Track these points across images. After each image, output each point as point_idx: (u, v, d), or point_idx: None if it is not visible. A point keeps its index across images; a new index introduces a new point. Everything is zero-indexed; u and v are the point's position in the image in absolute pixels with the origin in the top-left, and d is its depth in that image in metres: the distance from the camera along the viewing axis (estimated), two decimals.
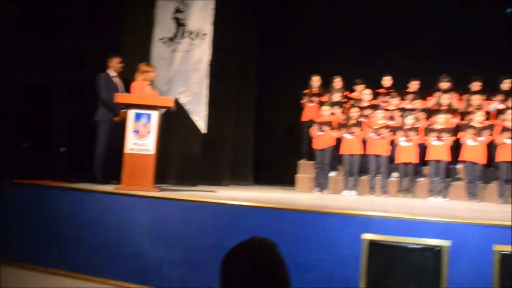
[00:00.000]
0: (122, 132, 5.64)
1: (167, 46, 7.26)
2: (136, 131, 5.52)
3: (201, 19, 7.18)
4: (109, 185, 5.69)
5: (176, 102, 6.59)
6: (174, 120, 7.15)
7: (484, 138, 6.85)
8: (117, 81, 6.60)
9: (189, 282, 4.53)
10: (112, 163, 6.16)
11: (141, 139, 5.50)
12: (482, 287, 3.90)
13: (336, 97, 7.79)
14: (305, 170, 7.89)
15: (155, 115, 5.59)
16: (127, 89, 6.35)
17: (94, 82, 6.44)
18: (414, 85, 8.04)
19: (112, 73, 6.58)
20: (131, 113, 5.58)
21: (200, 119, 7.00)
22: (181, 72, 7.11)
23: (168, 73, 7.16)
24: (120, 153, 5.57)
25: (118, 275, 4.80)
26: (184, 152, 7.57)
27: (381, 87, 8.17)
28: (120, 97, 5.88)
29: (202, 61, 7.05)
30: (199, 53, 7.11)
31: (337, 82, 8.03)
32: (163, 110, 6.09)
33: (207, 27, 7.11)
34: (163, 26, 7.29)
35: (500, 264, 3.89)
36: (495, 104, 7.49)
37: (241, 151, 8.60)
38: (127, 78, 6.56)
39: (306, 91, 8.12)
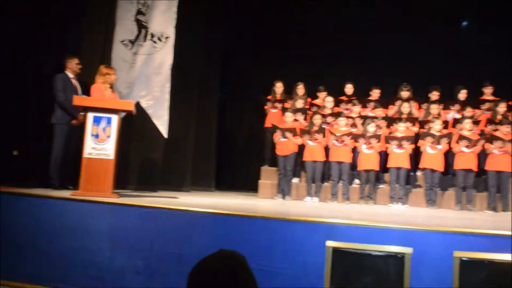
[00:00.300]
0: (81, 136, 5.44)
1: (128, 48, 7.07)
2: (96, 135, 5.34)
3: (164, 22, 7.04)
4: (66, 191, 5.51)
5: (137, 106, 6.44)
6: (135, 124, 6.98)
7: (442, 146, 7.02)
8: (75, 83, 6.39)
9: None
10: (69, 168, 5.95)
11: (101, 143, 5.33)
12: None
13: (299, 103, 7.82)
14: (268, 176, 7.87)
15: (115, 119, 5.43)
16: (86, 92, 6.14)
17: (51, 83, 6.21)
18: (375, 93, 8.19)
19: (70, 74, 6.36)
20: (90, 117, 5.40)
21: (162, 124, 6.84)
22: (143, 76, 6.94)
23: (129, 76, 6.97)
24: (78, 157, 5.38)
25: (75, 284, 4.61)
26: (144, 157, 7.40)
27: (343, 94, 8.26)
28: (79, 100, 5.68)
29: (164, 65, 6.91)
30: (161, 56, 6.96)
31: (300, 89, 8.07)
32: (124, 114, 5.93)
33: (170, 30, 6.97)
34: (124, 27, 7.09)
35: (460, 270, 3.98)
36: (453, 113, 7.71)
37: (203, 156, 8.48)
38: (86, 80, 6.36)
39: (269, 97, 8.11)
